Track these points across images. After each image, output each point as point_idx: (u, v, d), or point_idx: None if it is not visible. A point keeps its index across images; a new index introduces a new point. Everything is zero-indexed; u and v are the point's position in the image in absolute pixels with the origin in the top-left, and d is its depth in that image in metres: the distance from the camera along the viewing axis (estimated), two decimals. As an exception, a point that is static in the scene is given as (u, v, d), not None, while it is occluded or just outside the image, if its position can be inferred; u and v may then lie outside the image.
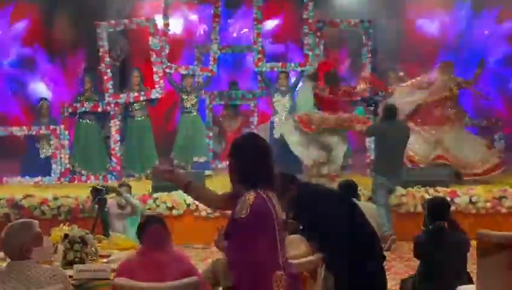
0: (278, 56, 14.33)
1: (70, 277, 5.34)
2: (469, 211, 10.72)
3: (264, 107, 13.93)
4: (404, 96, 12.01)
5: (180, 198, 10.70)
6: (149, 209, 10.55)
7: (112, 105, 12.53)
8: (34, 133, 12.37)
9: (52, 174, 12.18)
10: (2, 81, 15.51)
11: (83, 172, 12.45)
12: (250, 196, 4.31)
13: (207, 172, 11.99)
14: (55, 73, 15.50)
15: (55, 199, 10.75)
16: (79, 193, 10.78)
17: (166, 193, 10.79)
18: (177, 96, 13.17)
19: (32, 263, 4.60)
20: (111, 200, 8.83)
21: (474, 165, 11.75)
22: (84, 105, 12.54)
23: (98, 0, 14.04)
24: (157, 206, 10.66)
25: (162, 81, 12.62)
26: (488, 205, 10.80)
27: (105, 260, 6.26)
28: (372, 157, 12.37)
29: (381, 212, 9.68)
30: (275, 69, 12.92)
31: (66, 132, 12.42)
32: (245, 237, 4.29)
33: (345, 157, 11.87)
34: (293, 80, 12.99)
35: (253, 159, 4.41)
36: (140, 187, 11.08)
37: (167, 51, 12.74)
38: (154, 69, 12.62)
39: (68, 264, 5.94)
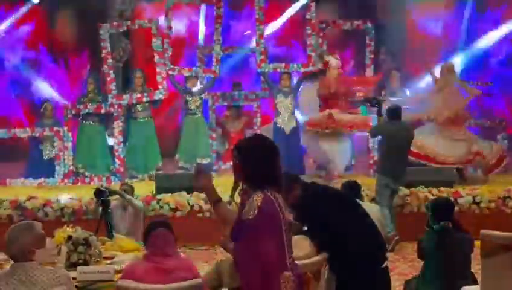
0: (282, 58, 14.30)
1: (74, 278, 5.33)
2: (473, 212, 10.71)
3: (266, 108, 13.93)
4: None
5: (183, 199, 10.69)
6: (152, 210, 10.55)
7: (115, 106, 12.54)
8: (37, 134, 12.39)
9: (56, 176, 12.19)
10: (6, 82, 15.51)
11: (86, 173, 12.46)
12: (258, 197, 4.31)
13: (210, 173, 11.96)
14: (59, 74, 15.50)
15: (59, 200, 10.75)
16: (82, 195, 10.78)
17: (169, 194, 10.78)
18: (179, 97, 13.17)
19: (36, 265, 4.60)
20: (114, 201, 8.82)
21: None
22: (87, 106, 12.54)
23: (101, 1, 14.06)
24: (161, 207, 10.65)
25: (165, 82, 12.63)
26: (492, 205, 10.79)
27: (109, 262, 6.26)
28: (376, 158, 12.38)
29: (384, 213, 9.67)
30: (278, 70, 12.91)
31: (70, 134, 12.43)
32: (253, 238, 4.29)
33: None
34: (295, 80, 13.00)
35: (260, 160, 4.42)
36: (143, 188, 11.07)
37: (170, 53, 12.74)
38: (157, 70, 12.64)
39: (72, 266, 5.94)
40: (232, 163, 4.58)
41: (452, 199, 9.06)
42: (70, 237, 6.20)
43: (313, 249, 5.66)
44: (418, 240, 6.75)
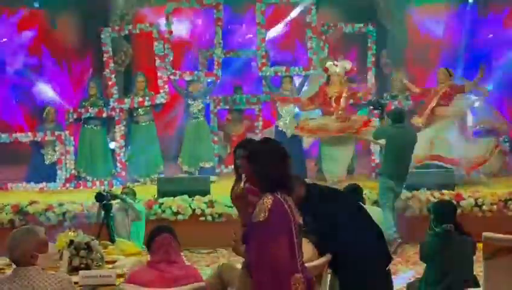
0: (285, 62, 14.28)
1: (76, 283, 5.34)
2: (475, 214, 10.70)
3: (268, 112, 13.93)
4: None
5: (185, 203, 10.69)
6: (154, 214, 10.55)
7: (117, 110, 12.55)
8: (39, 139, 12.39)
9: (58, 180, 12.19)
10: (8, 87, 15.53)
11: (88, 178, 12.46)
12: (268, 199, 4.37)
13: (212, 177, 11.99)
14: (62, 79, 15.51)
15: (60, 204, 10.74)
16: (84, 199, 10.77)
17: (171, 198, 10.78)
18: (181, 100, 13.18)
19: (38, 270, 4.59)
20: (116, 205, 8.82)
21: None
22: (89, 110, 12.55)
23: (103, 5, 14.07)
24: (163, 211, 10.65)
25: (166, 86, 12.63)
26: (494, 207, 10.78)
27: (110, 266, 6.26)
28: (377, 160, 12.37)
29: (387, 216, 9.68)
30: (279, 73, 12.92)
31: (71, 138, 12.43)
32: (264, 240, 4.33)
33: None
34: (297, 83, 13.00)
35: (272, 164, 4.47)
36: (145, 192, 11.07)
37: (171, 58, 12.75)
38: (159, 74, 12.64)
39: (74, 270, 5.94)
40: (233, 164, 4.60)
41: (454, 202, 9.05)
42: (72, 242, 6.21)
43: (315, 253, 5.66)
44: (420, 243, 6.74)
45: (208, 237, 10.33)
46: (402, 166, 10.19)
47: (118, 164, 12.53)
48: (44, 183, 12.16)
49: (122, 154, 12.53)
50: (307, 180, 6.30)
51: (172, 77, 12.70)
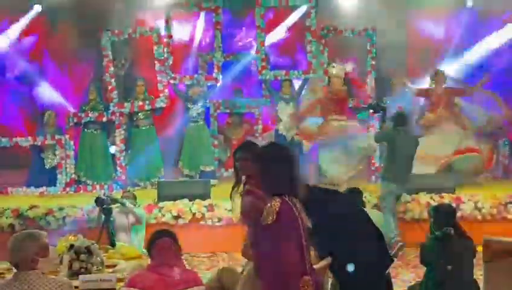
0: (286, 66, 14.27)
1: (76, 287, 5.34)
2: (474, 218, 10.70)
3: (268, 116, 13.93)
4: None
5: (185, 207, 10.70)
6: (154, 218, 10.55)
7: (117, 114, 12.55)
8: (39, 143, 12.39)
9: (58, 184, 12.19)
10: (9, 92, 15.52)
11: (89, 182, 12.46)
12: (276, 203, 4.40)
13: (212, 181, 12.00)
14: (63, 83, 15.49)
15: (61, 209, 10.74)
16: (84, 203, 10.77)
17: (171, 202, 10.78)
18: (181, 104, 13.19)
19: (38, 274, 4.60)
20: (116, 209, 8.82)
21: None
22: (89, 115, 12.56)
23: (104, 9, 14.06)
24: (163, 215, 10.65)
25: (166, 90, 12.64)
26: (494, 211, 10.78)
27: (111, 270, 6.26)
28: (377, 164, 12.38)
29: (389, 219, 9.70)
30: (279, 77, 12.93)
31: (71, 142, 12.44)
32: (273, 242, 4.37)
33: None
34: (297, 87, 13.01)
35: (279, 167, 4.50)
36: (145, 196, 11.07)
37: (171, 62, 12.76)
38: (158, 78, 12.65)
39: (74, 274, 5.95)
40: (233, 166, 4.63)
41: (454, 205, 9.05)
42: (72, 246, 6.21)
43: (316, 256, 5.66)
44: (421, 246, 6.74)
45: (208, 241, 10.34)
46: (404, 170, 10.20)
47: (118, 168, 12.54)
48: (44, 188, 12.16)
49: (122, 158, 12.54)
50: (308, 183, 6.29)
51: (172, 81, 12.71)
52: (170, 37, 12.83)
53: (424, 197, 10.85)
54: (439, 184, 11.22)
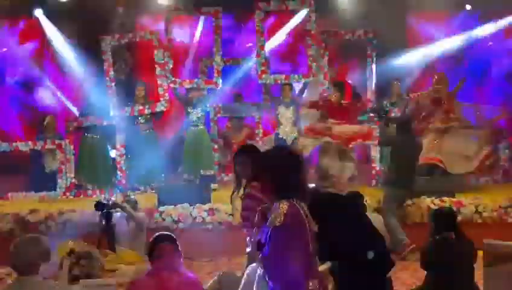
0: (286, 70, 14.28)
1: (76, 292, 5.34)
2: (475, 221, 10.69)
3: (268, 120, 13.94)
4: None
5: (186, 211, 10.70)
6: (155, 222, 10.54)
7: (117, 119, 12.55)
8: (39, 148, 12.38)
9: (58, 189, 12.19)
10: (8, 96, 15.52)
11: (89, 186, 12.46)
12: (284, 205, 4.43)
13: (213, 185, 12.00)
14: (63, 87, 15.50)
15: (61, 213, 10.74)
16: (85, 208, 10.76)
17: (172, 207, 10.78)
18: (179, 107, 13.20)
19: (39, 279, 4.59)
20: (117, 214, 8.82)
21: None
22: (89, 119, 12.56)
23: (102, 13, 14.07)
24: (163, 219, 10.65)
25: (166, 94, 12.64)
26: (495, 214, 10.77)
27: (111, 275, 6.26)
28: (378, 168, 12.37)
29: (395, 223, 9.77)
30: (279, 81, 12.93)
31: (71, 147, 12.43)
32: (280, 245, 4.38)
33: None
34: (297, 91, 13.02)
35: (288, 171, 4.54)
36: (146, 200, 11.07)
37: (171, 66, 12.77)
38: (159, 82, 12.66)
39: (74, 279, 5.94)
40: (233, 169, 4.64)
41: (454, 209, 9.06)
42: (72, 251, 6.21)
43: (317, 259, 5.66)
44: (421, 250, 6.75)
45: (208, 245, 10.33)
46: (409, 175, 10.23)
47: (119, 172, 12.54)
48: (44, 192, 12.15)
49: (122, 162, 12.53)
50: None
51: (172, 85, 12.71)
52: (170, 41, 12.84)
53: (424, 201, 10.84)
54: (440, 187, 11.21)
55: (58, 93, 15.15)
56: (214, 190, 11.82)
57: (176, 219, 10.66)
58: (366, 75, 13.40)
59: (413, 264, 9.26)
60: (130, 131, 12.72)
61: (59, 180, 12.21)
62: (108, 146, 12.92)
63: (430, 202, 10.79)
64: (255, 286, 4.77)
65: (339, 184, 10.94)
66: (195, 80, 13.06)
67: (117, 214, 8.82)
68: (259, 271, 4.72)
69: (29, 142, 12.54)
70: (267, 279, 4.50)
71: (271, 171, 4.59)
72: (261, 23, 12.81)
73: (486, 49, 14.95)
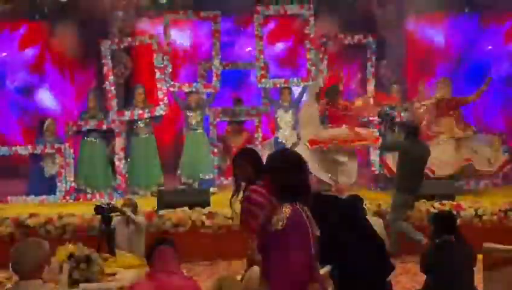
0: (285, 74, 14.28)
1: (76, 296, 5.34)
2: (475, 225, 10.68)
3: (268, 124, 13.94)
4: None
5: (185, 215, 10.69)
6: (154, 226, 10.53)
7: (117, 122, 12.55)
8: (39, 152, 12.38)
9: (57, 193, 12.18)
10: (8, 100, 15.53)
11: (88, 190, 12.46)
12: (287, 209, 4.42)
13: (212, 189, 12.00)
14: (65, 91, 15.51)
15: (60, 217, 10.72)
16: (84, 211, 10.75)
17: (171, 210, 10.77)
18: (179, 112, 13.20)
19: (40, 283, 4.58)
20: (116, 218, 8.81)
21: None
22: (89, 123, 12.56)
23: (102, 17, 14.08)
24: (163, 223, 10.64)
25: (166, 98, 12.65)
26: (494, 218, 10.77)
27: (111, 279, 6.25)
28: (377, 172, 12.37)
29: (407, 227, 9.84)
30: (278, 85, 12.94)
31: (71, 150, 12.43)
32: (283, 248, 4.38)
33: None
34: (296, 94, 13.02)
35: (290, 173, 4.51)
36: (145, 204, 11.06)
37: (170, 69, 12.78)
38: (158, 86, 12.67)
39: (74, 283, 5.95)
40: (232, 173, 4.63)
41: (454, 212, 9.05)
42: (72, 254, 6.20)
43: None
44: (421, 254, 6.74)
45: (208, 249, 10.32)
46: (417, 180, 10.24)
47: (118, 176, 12.53)
48: (44, 196, 12.15)
49: (122, 166, 12.53)
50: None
51: (171, 89, 12.72)
52: (169, 44, 12.85)
53: (424, 205, 10.83)
54: (439, 191, 11.21)
55: (57, 98, 15.18)
56: (213, 193, 11.81)
57: (175, 222, 10.64)
58: (366, 78, 13.41)
59: (413, 268, 9.26)
60: (130, 135, 12.73)
61: (59, 184, 12.21)
62: (107, 150, 12.90)
63: (429, 205, 10.79)
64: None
65: (338, 188, 10.97)
66: (194, 84, 13.06)
67: (117, 218, 8.81)
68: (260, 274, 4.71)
69: (29, 146, 12.54)
70: (268, 282, 4.50)
71: (273, 174, 4.57)
72: (260, 28, 12.82)
73: (486, 52, 14.96)
